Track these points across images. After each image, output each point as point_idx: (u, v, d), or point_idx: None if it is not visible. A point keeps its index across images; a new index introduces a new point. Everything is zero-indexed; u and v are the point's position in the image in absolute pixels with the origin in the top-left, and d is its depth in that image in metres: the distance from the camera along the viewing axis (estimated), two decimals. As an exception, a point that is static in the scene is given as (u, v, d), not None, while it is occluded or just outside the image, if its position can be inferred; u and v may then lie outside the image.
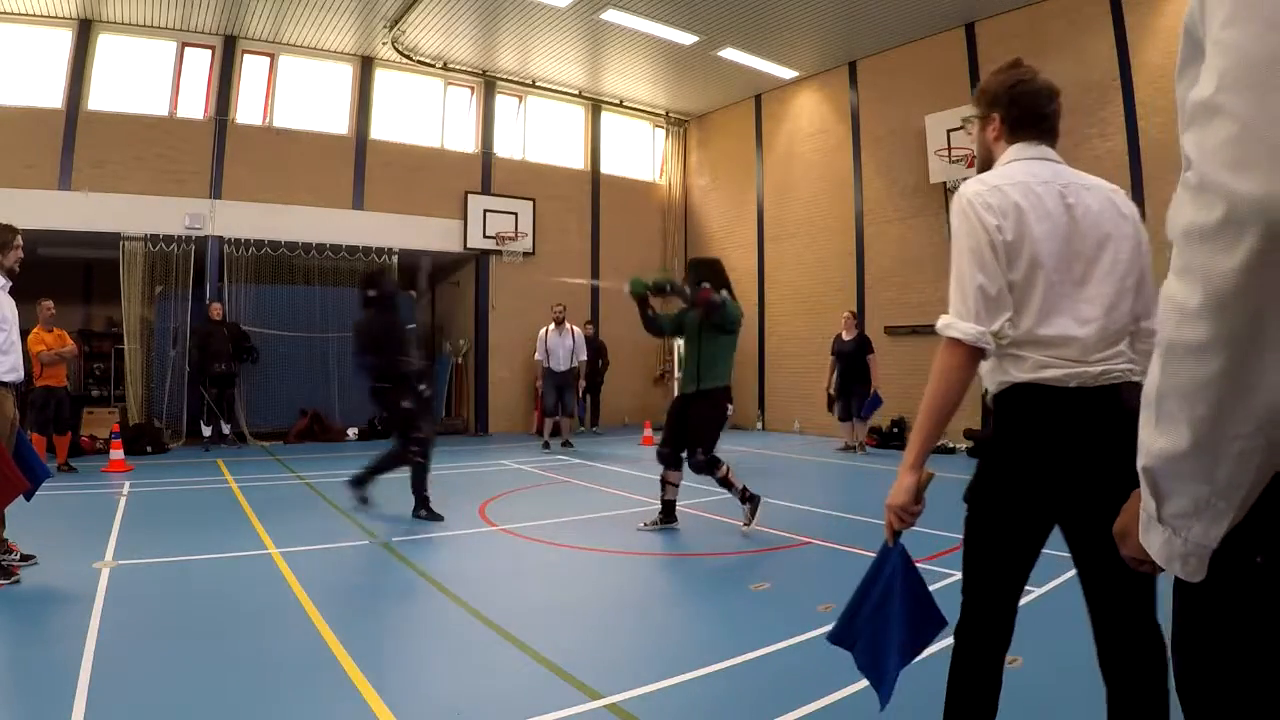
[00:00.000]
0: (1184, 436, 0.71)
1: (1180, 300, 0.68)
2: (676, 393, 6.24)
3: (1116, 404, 1.68)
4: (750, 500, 5.27)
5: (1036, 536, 1.82)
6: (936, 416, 1.73)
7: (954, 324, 1.71)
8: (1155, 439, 0.75)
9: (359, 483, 5.82)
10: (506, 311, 12.85)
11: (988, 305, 1.69)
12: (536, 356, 10.72)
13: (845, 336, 9.84)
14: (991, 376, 1.82)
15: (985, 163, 1.96)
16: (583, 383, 11.17)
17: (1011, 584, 1.85)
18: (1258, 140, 0.61)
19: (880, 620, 1.83)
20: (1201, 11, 0.69)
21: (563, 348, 10.57)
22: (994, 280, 1.69)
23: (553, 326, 10.65)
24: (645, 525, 5.49)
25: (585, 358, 10.88)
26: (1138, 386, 1.34)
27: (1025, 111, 1.85)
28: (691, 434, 5.18)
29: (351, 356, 6.58)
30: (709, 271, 5.38)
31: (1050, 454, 1.71)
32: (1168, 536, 0.77)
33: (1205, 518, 0.73)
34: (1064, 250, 1.72)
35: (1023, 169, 1.79)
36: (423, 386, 5.86)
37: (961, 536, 1.90)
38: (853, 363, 9.62)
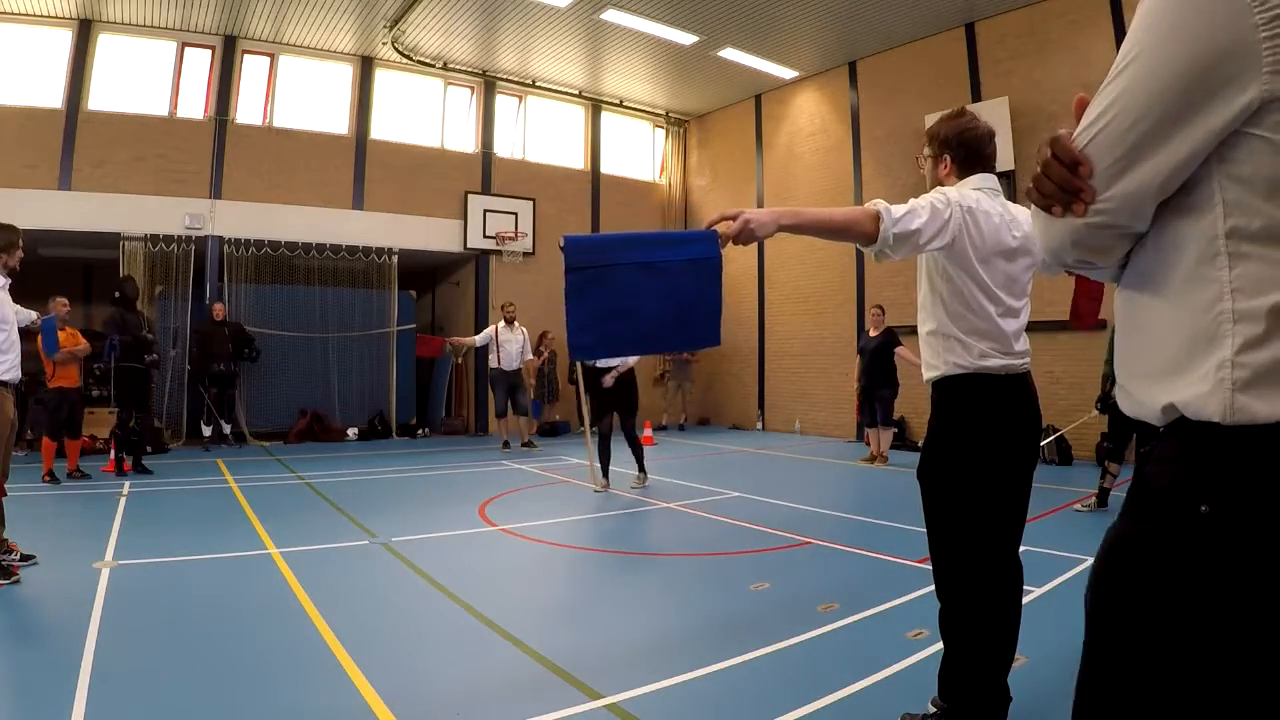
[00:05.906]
0: None
1: None
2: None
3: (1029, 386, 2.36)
4: None
5: (1022, 481, 2.28)
6: (822, 227, 2.03)
7: (897, 216, 1.99)
8: None
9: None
10: (507, 312, 12.85)
11: (915, 235, 2.02)
12: (480, 343, 10.69)
13: (872, 333, 8.93)
14: (954, 359, 2.23)
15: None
16: (532, 380, 11.23)
17: (1015, 523, 2.28)
18: None
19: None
20: None
21: (514, 344, 10.56)
22: (939, 234, 2.07)
23: (503, 324, 10.56)
24: None
25: (531, 356, 10.90)
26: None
27: (970, 152, 2.30)
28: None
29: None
30: None
31: (1005, 413, 2.26)
32: None
33: None
34: (1008, 268, 2.24)
35: (988, 202, 2.23)
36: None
37: (943, 510, 2.26)
38: (877, 361, 8.69)
